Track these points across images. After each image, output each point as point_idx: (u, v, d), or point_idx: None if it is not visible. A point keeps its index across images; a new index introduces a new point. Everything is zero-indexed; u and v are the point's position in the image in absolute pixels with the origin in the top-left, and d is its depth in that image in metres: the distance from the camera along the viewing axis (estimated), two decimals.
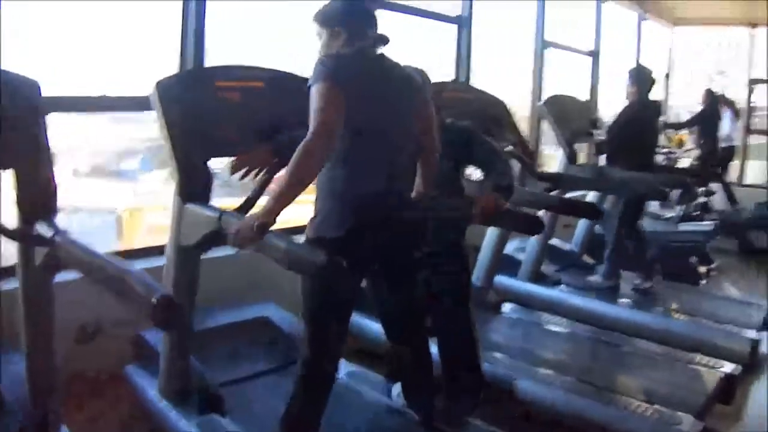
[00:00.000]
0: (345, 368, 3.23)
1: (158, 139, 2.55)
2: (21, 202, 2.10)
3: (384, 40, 2.42)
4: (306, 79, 2.24)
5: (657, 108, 5.10)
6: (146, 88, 2.56)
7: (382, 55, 2.42)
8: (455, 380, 3.12)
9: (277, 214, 2.10)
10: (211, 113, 2.57)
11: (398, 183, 2.42)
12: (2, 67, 2.12)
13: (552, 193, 4.20)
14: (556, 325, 4.17)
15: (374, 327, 3.11)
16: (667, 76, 8.82)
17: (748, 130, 8.79)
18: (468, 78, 5.28)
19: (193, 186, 2.48)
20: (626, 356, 3.77)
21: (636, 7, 7.89)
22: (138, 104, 2.90)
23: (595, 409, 3.10)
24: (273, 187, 2.34)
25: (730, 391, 3.44)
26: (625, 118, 4.77)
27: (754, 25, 8.56)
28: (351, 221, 2.27)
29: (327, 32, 2.40)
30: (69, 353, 2.71)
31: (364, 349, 3.52)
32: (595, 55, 7.10)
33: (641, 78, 4.84)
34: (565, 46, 6.57)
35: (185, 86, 2.59)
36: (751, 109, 8.79)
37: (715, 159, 7.35)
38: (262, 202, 2.50)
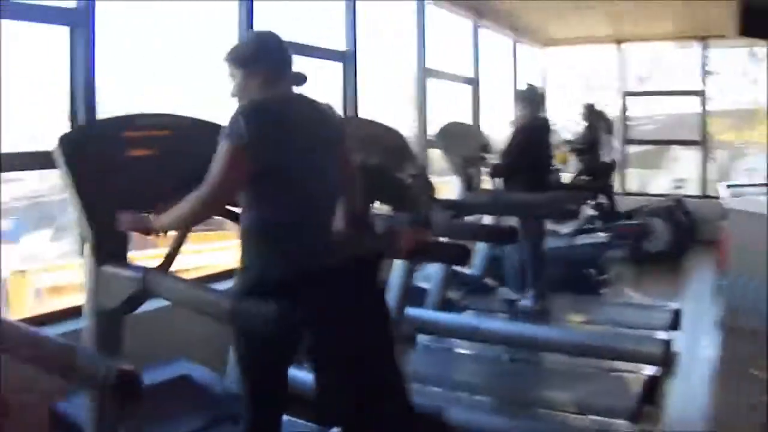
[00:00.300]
0: None
1: (34, 197, 2.40)
2: None
3: (302, 79, 2.38)
4: (217, 126, 2.18)
5: (548, 126, 5.26)
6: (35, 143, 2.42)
7: (300, 94, 2.38)
8: (389, 418, 3.07)
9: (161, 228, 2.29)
10: (122, 167, 2.41)
11: (324, 225, 2.37)
12: None
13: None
14: (474, 350, 4.21)
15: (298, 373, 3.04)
16: None
17: (626, 141, 9.30)
18: (356, 112, 5.29)
19: (109, 246, 2.32)
20: (548, 372, 3.88)
21: (509, 32, 8.20)
22: (37, 161, 2.71)
23: (533, 428, 3.13)
24: (173, 211, 2.26)
25: (655, 392, 3.58)
26: (519, 140, 4.88)
27: (620, 42, 9.14)
28: (282, 270, 2.21)
29: (242, 73, 2.33)
30: None
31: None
32: (474, 81, 7.31)
33: (532, 98, 4.99)
34: (446, 74, 6.72)
35: (92, 139, 2.43)
36: (626, 121, 9.30)
37: (600, 173, 7.69)
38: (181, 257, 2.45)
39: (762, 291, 4.88)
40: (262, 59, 2.31)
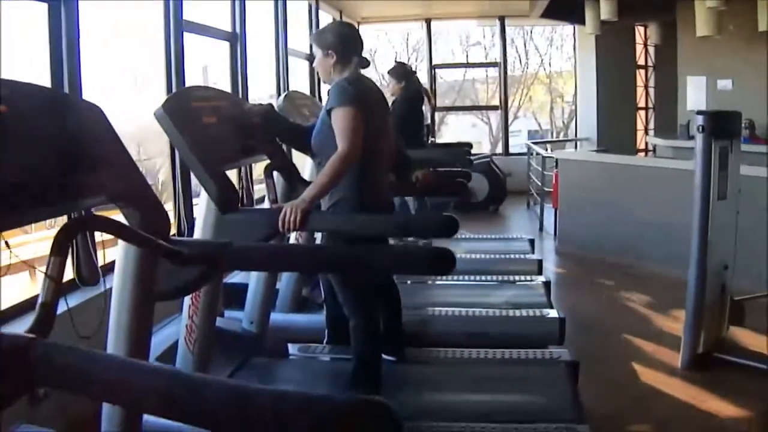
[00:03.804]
0: (290, 349, 3.64)
1: None
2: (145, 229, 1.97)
3: (367, 63, 3.02)
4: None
5: (422, 96, 6.11)
6: None
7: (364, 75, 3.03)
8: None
9: (315, 202, 2.72)
10: (213, 129, 2.80)
11: (386, 174, 3.07)
12: None
13: None
14: None
15: None
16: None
17: (434, 109, 10.44)
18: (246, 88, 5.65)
19: (230, 195, 2.70)
20: (473, 287, 4.68)
21: (333, 11, 8.89)
22: None
23: (479, 322, 3.89)
24: (318, 184, 2.74)
25: (550, 295, 4.53)
26: (405, 106, 5.66)
27: (428, 21, 10.29)
28: (373, 199, 2.88)
29: (321, 54, 2.95)
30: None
31: None
32: (312, 57, 7.84)
33: (405, 73, 5.82)
34: (296, 51, 7.23)
35: (189, 104, 2.74)
36: (434, 91, 10.49)
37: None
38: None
39: (580, 221, 6.26)
40: (343, 46, 2.91)
